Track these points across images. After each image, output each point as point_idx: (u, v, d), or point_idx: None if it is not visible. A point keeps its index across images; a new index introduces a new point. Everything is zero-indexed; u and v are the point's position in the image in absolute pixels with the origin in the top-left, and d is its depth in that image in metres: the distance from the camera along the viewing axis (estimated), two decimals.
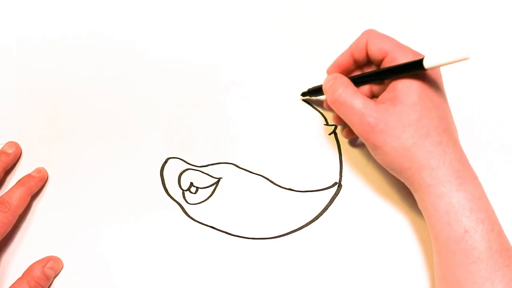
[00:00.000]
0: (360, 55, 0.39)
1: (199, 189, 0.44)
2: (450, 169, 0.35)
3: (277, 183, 0.43)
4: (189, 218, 0.43)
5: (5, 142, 0.44)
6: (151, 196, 0.43)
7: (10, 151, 0.44)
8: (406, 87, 0.35)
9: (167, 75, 0.48)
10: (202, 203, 0.43)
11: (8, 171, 0.44)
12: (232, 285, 0.40)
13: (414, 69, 0.35)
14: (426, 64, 0.33)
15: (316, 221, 0.42)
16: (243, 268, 0.41)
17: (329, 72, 0.42)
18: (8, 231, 0.40)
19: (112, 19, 0.50)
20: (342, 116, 0.38)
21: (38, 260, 0.40)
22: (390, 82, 0.37)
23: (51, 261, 0.40)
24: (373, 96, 0.41)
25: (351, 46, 0.40)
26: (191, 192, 0.44)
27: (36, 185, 0.43)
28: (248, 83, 0.47)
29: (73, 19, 0.51)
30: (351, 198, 0.43)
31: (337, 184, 0.43)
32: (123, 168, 0.44)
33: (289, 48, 0.48)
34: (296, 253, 0.41)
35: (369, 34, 0.38)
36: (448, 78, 0.39)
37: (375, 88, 0.40)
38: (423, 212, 0.37)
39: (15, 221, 0.41)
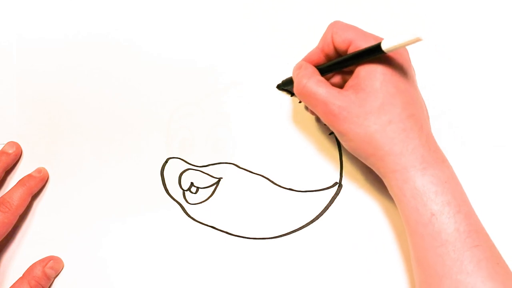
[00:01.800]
0: (329, 49, 0.39)
1: (199, 189, 0.44)
2: (413, 154, 0.35)
3: (277, 183, 0.44)
4: (190, 218, 0.43)
5: (5, 142, 0.44)
6: (152, 196, 0.43)
7: (10, 151, 0.44)
8: (368, 73, 0.36)
9: (167, 75, 0.48)
10: (203, 203, 0.43)
11: (9, 171, 0.44)
12: (232, 285, 0.40)
13: (374, 53, 0.35)
14: (384, 46, 0.33)
15: (316, 221, 0.42)
16: (243, 268, 0.41)
17: None
18: (8, 231, 0.41)
19: (112, 20, 0.50)
20: (308, 106, 0.39)
21: (39, 260, 0.40)
22: (355, 68, 0.37)
23: (51, 261, 0.40)
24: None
25: (320, 40, 0.40)
26: (192, 192, 0.44)
27: (37, 185, 0.43)
28: (248, 83, 0.47)
29: (73, 19, 0.51)
30: (351, 198, 0.43)
31: (337, 184, 0.43)
32: (123, 168, 0.44)
33: (289, 48, 0.48)
34: (296, 253, 0.41)
35: (334, 26, 0.38)
36: (447, 77, 0.39)
37: (347, 77, 0.40)
38: (393, 198, 0.37)
39: (16, 221, 0.41)
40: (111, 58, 0.49)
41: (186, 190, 0.44)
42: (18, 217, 0.41)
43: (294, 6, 0.50)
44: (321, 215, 0.42)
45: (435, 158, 0.35)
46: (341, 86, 0.40)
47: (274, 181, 0.44)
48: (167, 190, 0.44)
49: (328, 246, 0.41)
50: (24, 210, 0.42)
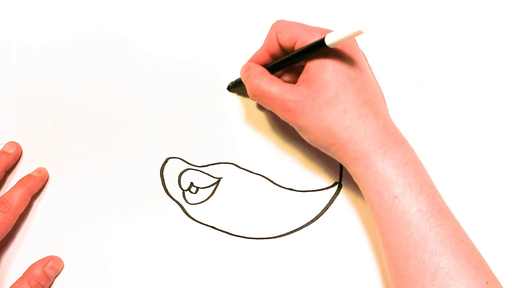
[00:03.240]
0: (274, 48, 0.39)
1: (199, 189, 0.44)
2: (372, 139, 0.35)
3: (277, 183, 0.44)
4: (189, 218, 0.43)
5: (5, 142, 0.44)
6: (151, 196, 0.43)
7: (10, 151, 0.44)
8: (318, 66, 0.36)
9: (167, 75, 0.48)
10: (202, 203, 0.43)
11: (9, 171, 0.44)
12: (232, 285, 0.40)
13: (319, 48, 0.35)
14: (328, 41, 0.33)
15: (316, 221, 0.42)
16: (243, 268, 0.41)
17: None
18: (8, 231, 0.40)
19: (112, 20, 0.50)
20: (265, 106, 0.39)
21: (39, 260, 0.40)
22: (306, 62, 0.37)
23: (51, 260, 0.40)
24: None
25: (264, 40, 0.40)
26: (191, 192, 0.44)
27: (37, 185, 0.43)
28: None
29: (73, 20, 0.51)
30: (351, 198, 0.43)
31: (337, 184, 0.43)
32: (123, 168, 0.44)
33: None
34: (296, 253, 0.41)
35: (277, 25, 0.39)
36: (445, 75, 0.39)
37: (299, 73, 0.41)
38: (358, 185, 0.38)
39: (16, 221, 0.41)
40: (111, 58, 0.49)
41: (186, 190, 0.44)
42: (17, 217, 0.41)
43: (294, 6, 0.50)
44: (321, 215, 0.42)
45: (394, 141, 0.36)
46: (294, 82, 0.40)
47: (274, 181, 0.44)
48: (167, 190, 0.44)
49: (328, 246, 0.41)
50: (24, 210, 0.42)
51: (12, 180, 0.44)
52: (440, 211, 0.34)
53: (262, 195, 0.43)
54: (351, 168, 0.37)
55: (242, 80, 0.41)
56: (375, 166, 0.35)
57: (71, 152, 0.45)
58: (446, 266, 0.32)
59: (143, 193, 0.43)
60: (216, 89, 0.47)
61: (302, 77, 0.37)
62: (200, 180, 0.44)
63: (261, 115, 0.46)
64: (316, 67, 0.36)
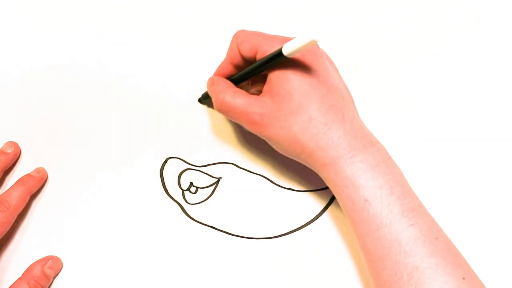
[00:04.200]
0: (237, 59, 0.39)
1: (199, 189, 0.44)
2: (340, 145, 0.35)
3: (276, 183, 0.44)
4: (189, 218, 0.43)
5: (4, 142, 0.44)
6: (151, 196, 0.43)
7: (9, 151, 0.44)
8: (279, 77, 0.36)
9: (167, 75, 0.48)
10: (202, 203, 0.43)
11: (7, 171, 0.44)
12: (231, 285, 0.40)
13: (278, 58, 0.35)
14: (285, 52, 0.33)
15: (316, 221, 0.42)
16: (243, 268, 0.41)
17: None
18: (7, 230, 0.40)
19: (113, 21, 0.50)
20: (231, 119, 0.39)
21: (38, 260, 0.40)
22: (268, 73, 0.37)
23: (50, 260, 0.40)
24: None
25: (227, 52, 0.40)
26: (191, 192, 0.43)
27: (36, 185, 0.43)
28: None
29: (73, 19, 0.50)
30: None
31: None
32: (123, 168, 0.44)
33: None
34: (296, 253, 0.41)
35: (238, 36, 0.39)
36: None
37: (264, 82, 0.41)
38: (330, 190, 0.38)
39: (14, 220, 0.41)
40: (110, 57, 0.49)
41: (186, 190, 0.43)
42: (16, 216, 0.41)
43: (294, 7, 0.50)
44: (321, 214, 0.42)
45: (363, 144, 0.36)
46: (261, 92, 0.40)
47: (274, 181, 0.44)
48: (167, 190, 0.43)
49: (328, 246, 0.41)
50: (23, 210, 0.42)
51: (11, 180, 0.44)
52: (413, 210, 0.34)
53: (262, 195, 0.43)
54: (321, 174, 0.37)
55: (209, 93, 0.41)
56: (344, 171, 0.35)
57: (70, 152, 0.45)
58: (422, 266, 0.32)
59: (143, 193, 0.43)
60: None
61: (265, 88, 0.37)
62: (200, 180, 0.44)
63: None
64: (278, 77, 0.36)
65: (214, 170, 0.44)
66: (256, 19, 0.50)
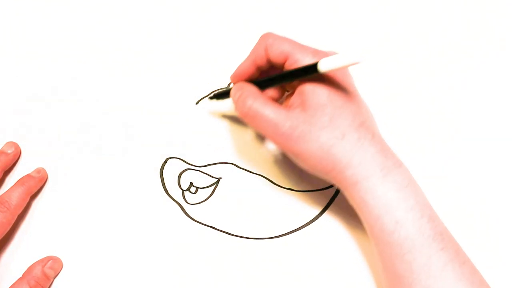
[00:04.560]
0: (262, 61, 0.38)
1: (198, 189, 0.44)
2: (372, 163, 0.35)
3: (276, 183, 0.43)
4: (189, 218, 0.43)
5: (4, 142, 0.44)
6: (151, 196, 0.43)
7: (9, 151, 0.44)
8: (312, 90, 0.35)
9: (167, 75, 0.48)
10: (202, 203, 0.43)
11: (7, 171, 0.44)
12: (231, 285, 0.40)
13: (312, 72, 0.34)
14: (321, 68, 0.33)
15: (316, 221, 0.42)
16: (243, 268, 0.41)
17: (233, 81, 0.41)
18: (7, 231, 0.40)
19: (113, 20, 0.50)
20: (256, 129, 0.38)
21: (38, 260, 0.40)
22: (299, 84, 0.36)
23: (51, 261, 0.40)
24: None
25: (251, 52, 0.39)
26: (191, 192, 0.43)
27: (36, 185, 0.43)
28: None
29: (73, 19, 0.51)
30: None
31: None
32: (123, 168, 0.44)
33: None
34: (296, 253, 0.41)
35: (267, 38, 0.37)
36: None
37: (282, 90, 0.40)
38: (355, 209, 0.37)
39: (14, 221, 0.41)
40: (110, 57, 0.49)
41: (186, 190, 0.43)
42: (16, 216, 0.41)
43: (294, 7, 0.50)
44: (321, 215, 0.42)
45: (392, 164, 0.35)
46: (277, 99, 0.39)
47: (274, 181, 0.44)
48: (166, 190, 0.43)
49: (328, 246, 0.41)
50: (23, 210, 0.42)
51: (11, 181, 0.44)
52: (442, 234, 0.34)
53: (262, 195, 0.43)
54: (349, 193, 0.36)
55: (233, 98, 0.39)
56: (375, 190, 0.34)
57: (70, 152, 0.45)
58: None
59: (143, 193, 0.43)
60: (216, 88, 0.47)
61: (295, 100, 0.36)
62: (200, 180, 0.44)
63: None
64: (310, 90, 0.35)
65: (214, 170, 0.44)
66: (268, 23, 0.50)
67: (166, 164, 0.44)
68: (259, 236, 0.42)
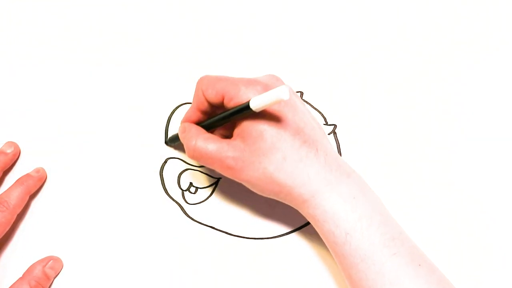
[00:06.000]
0: (204, 105, 0.39)
1: (198, 189, 0.44)
2: (316, 180, 0.36)
3: None
4: (189, 218, 0.43)
5: (3, 142, 0.44)
6: (151, 196, 0.43)
7: (8, 150, 0.43)
8: (250, 123, 0.36)
9: (167, 74, 0.48)
10: (202, 203, 0.43)
11: (7, 170, 0.44)
12: (231, 285, 0.40)
13: (245, 110, 0.34)
14: (253, 106, 0.33)
15: None
16: (243, 268, 0.41)
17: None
18: (6, 230, 0.40)
19: (112, 19, 0.50)
20: (205, 165, 0.39)
21: (39, 260, 0.40)
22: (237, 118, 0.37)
23: (51, 261, 0.40)
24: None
25: (193, 100, 0.40)
26: (191, 192, 0.43)
27: (35, 185, 0.42)
28: None
29: (73, 19, 0.50)
30: None
31: None
32: (122, 168, 0.44)
33: (289, 48, 0.48)
34: (296, 253, 0.41)
35: (202, 83, 0.38)
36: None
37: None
38: (311, 224, 0.38)
39: (13, 220, 0.41)
40: (110, 57, 0.49)
41: (185, 190, 0.44)
42: (15, 216, 0.41)
43: (294, 7, 0.50)
44: None
45: (338, 176, 0.36)
46: (227, 135, 0.40)
47: None
48: (166, 190, 0.44)
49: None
50: (22, 210, 0.41)
51: (10, 180, 0.43)
52: (394, 239, 0.35)
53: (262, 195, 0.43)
54: (302, 211, 0.38)
55: (181, 140, 0.40)
56: (322, 205, 0.36)
57: (70, 152, 0.45)
58: None
59: (143, 193, 0.43)
60: None
61: (236, 131, 0.37)
62: (200, 180, 0.44)
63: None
64: (249, 123, 0.36)
65: (214, 170, 0.44)
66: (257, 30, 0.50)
67: (166, 164, 0.44)
68: (259, 236, 0.42)
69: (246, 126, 0.36)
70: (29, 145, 0.45)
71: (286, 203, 0.38)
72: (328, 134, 0.45)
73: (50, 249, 0.41)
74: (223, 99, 0.37)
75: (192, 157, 0.38)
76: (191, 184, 0.44)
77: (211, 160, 0.37)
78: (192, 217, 0.43)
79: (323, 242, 0.41)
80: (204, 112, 0.40)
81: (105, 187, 0.43)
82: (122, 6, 0.51)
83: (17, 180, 0.42)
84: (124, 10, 0.51)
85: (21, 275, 0.39)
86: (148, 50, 0.49)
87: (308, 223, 0.42)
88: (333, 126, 0.45)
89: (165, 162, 0.44)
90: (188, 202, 0.43)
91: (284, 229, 0.42)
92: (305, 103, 0.46)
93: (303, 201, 0.36)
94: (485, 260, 0.39)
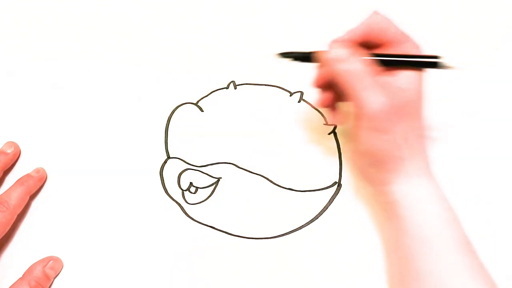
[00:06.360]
0: (369, 38, 0.37)
1: (198, 189, 0.44)
2: (425, 162, 0.37)
3: (277, 183, 0.44)
4: (189, 218, 0.43)
5: (4, 142, 0.44)
6: (151, 196, 0.43)
7: (9, 151, 0.43)
8: (410, 77, 0.36)
9: (167, 74, 0.48)
10: (202, 203, 0.43)
11: (7, 171, 0.44)
12: (231, 285, 0.40)
13: (431, 63, 0.35)
14: (446, 64, 0.35)
15: (316, 221, 0.42)
16: (243, 268, 0.41)
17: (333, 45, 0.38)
18: (6, 230, 0.40)
19: (112, 19, 0.50)
20: (347, 89, 0.35)
21: (39, 261, 0.40)
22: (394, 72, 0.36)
23: (52, 261, 0.40)
24: None
25: (356, 30, 0.37)
26: (191, 192, 0.43)
27: (35, 185, 0.42)
28: (248, 82, 0.47)
29: (73, 19, 0.50)
30: (351, 197, 0.43)
31: (337, 184, 0.43)
32: (122, 168, 0.44)
33: (289, 48, 0.48)
34: (296, 253, 0.41)
35: (382, 20, 0.37)
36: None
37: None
38: (393, 206, 0.37)
39: (14, 220, 0.41)
40: (110, 57, 0.49)
41: (185, 190, 0.44)
42: (16, 216, 0.41)
43: (294, 7, 0.50)
44: (321, 214, 0.42)
45: (430, 168, 0.38)
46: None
47: (274, 181, 0.44)
48: (166, 190, 0.43)
49: (328, 246, 0.41)
50: (22, 210, 0.42)
51: (10, 180, 0.43)
52: (468, 242, 0.36)
53: (262, 195, 0.43)
54: (394, 187, 0.37)
55: (332, 55, 0.36)
56: (431, 185, 0.36)
57: (70, 152, 0.45)
58: None
59: (143, 193, 0.43)
60: (215, 88, 0.47)
61: (392, 81, 0.36)
62: (200, 180, 0.44)
63: (261, 115, 0.46)
64: (409, 77, 0.36)
65: (214, 170, 0.44)
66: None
67: (166, 164, 0.44)
68: (259, 236, 0.42)
69: (408, 87, 0.36)
70: (29, 145, 0.45)
71: (380, 174, 0.37)
72: (328, 134, 0.45)
73: (50, 249, 0.41)
74: (392, 45, 0.36)
75: (346, 71, 0.35)
76: (191, 184, 0.44)
77: (365, 86, 0.35)
78: (192, 217, 0.43)
79: (323, 242, 0.41)
80: (364, 43, 0.37)
81: (105, 187, 0.43)
82: (122, 5, 0.51)
83: (17, 180, 0.42)
84: (124, 10, 0.51)
85: (21, 275, 0.39)
86: (148, 50, 0.49)
87: (308, 223, 0.42)
88: (333, 126, 0.45)
89: (165, 162, 0.44)
90: (188, 202, 0.43)
91: (284, 229, 0.42)
92: (305, 103, 0.46)
93: (411, 175, 0.36)
94: (485, 260, 0.39)
